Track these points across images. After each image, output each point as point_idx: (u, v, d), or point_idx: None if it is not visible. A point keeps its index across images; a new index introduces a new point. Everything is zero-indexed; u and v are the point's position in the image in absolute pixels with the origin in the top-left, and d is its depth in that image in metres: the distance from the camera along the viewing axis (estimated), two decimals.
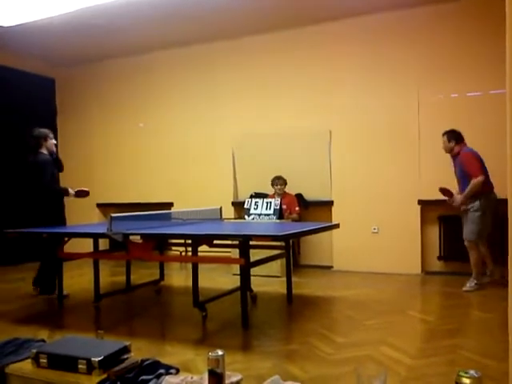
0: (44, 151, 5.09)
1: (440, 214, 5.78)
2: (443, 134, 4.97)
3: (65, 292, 4.82)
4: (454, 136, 4.91)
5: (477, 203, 4.73)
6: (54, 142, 5.22)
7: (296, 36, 6.57)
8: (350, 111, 6.25)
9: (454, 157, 4.93)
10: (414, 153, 5.84)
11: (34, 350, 2.16)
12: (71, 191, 5.14)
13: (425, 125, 5.80)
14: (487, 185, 4.73)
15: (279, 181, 6.34)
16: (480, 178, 4.65)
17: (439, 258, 5.82)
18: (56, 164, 5.19)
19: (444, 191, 4.95)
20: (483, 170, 4.73)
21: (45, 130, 5.17)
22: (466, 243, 4.83)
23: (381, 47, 6.09)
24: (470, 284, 4.81)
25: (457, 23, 5.71)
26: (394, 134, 5.99)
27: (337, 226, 4.63)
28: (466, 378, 1.68)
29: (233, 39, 6.92)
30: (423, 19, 5.86)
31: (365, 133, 6.16)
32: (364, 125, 6.15)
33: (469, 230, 4.80)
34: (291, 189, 6.44)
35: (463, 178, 4.84)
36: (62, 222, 5.13)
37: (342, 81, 6.31)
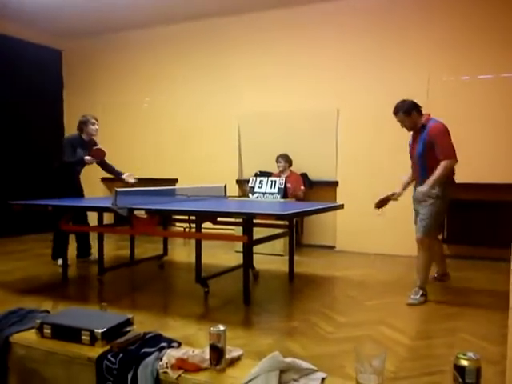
0: (84, 136, 5.39)
1: None
2: (396, 112, 3.97)
3: (92, 257, 5.30)
4: (412, 106, 3.91)
5: (437, 190, 3.80)
6: (95, 127, 5.42)
7: (304, 13, 6.48)
8: (359, 91, 6.19)
9: (417, 132, 3.98)
10: None
11: (39, 321, 2.19)
12: (87, 158, 5.21)
13: (434, 107, 5.67)
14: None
15: (282, 158, 6.32)
16: (455, 161, 3.81)
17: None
18: (85, 145, 5.36)
19: (381, 202, 4.16)
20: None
21: (86, 117, 5.42)
22: (418, 239, 3.91)
23: (391, 28, 5.99)
24: (414, 296, 3.86)
25: (468, 4, 5.60)
26: None
27: (341, 206, 4.63)
28: (465, 359, 1.69)
29: (241, 14, 6.83)
30: (434, 0, 5.76)
31: (373, 113, 6.11)
32: (372, 105, 6.09)
33: (425, 222, 3.87)
34: (297, 168, 6.42)
35: (426, 158, 3.87)
36: (76, 195, 5.33)
37: (352, 61, 6.23)
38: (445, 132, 3.80)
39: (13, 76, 7.38)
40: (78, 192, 5.45)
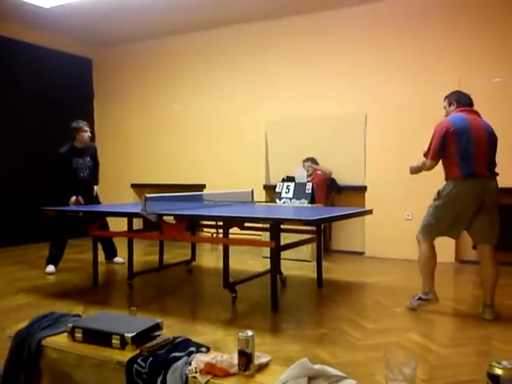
0: (77, 143, 5.39)
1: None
2: (445, 98, 3.83)
3: (121, 259, 5.56)
4: (452, 96, 3.74)
5: (443, 191, 3.61)
6: (86, 134, 5.42)
7: (332, 18, 6.46)
8: (387, 96, 6.13)
9: None
10: None
11: (70, 325, 2.22)
12: (72, 199, 5.18)
13: None
14: (462, 169, 3.50)
15: (307, 162, 6.31)
16: (429, 162, 3.60)
17: (474, 246, 5.67)
18: (80, 154, 5.40)
19: None
20: (442, 154, 3.56)
21: (78, 124, 5.39)
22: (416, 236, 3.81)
23: (420, 32, 5.92)
24: (411, 299, 3.80)
25: (497, 6, 5.49)
26: (431, 120, 5.79)
27: (370, 211, 4.58)
28: (499, 368, 1.65)
29: (269, 20, 6.86)
30: (464, 4, 5.66)
31: (402, 118, 6.04)
32: (401, 110, 6.03)
33: (423, 220, 3.76)
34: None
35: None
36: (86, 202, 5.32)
37: (380, 65, 6.18)
38: (436, 132, 3.59)
39: (45, 85, 7.58)
40: (86, 199, 5.35)
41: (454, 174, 3.54)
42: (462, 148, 3.48)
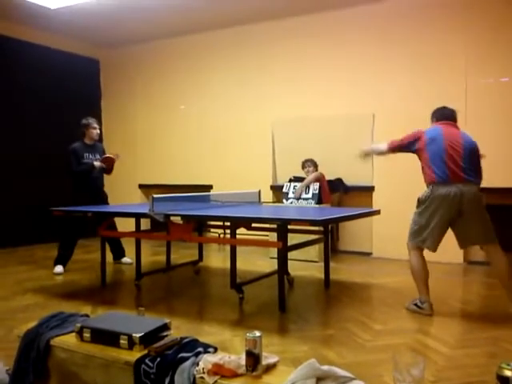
0: (86, 139, 5.47)
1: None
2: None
3: (129, 260, 5.62)
4: (432, 113, 3.98)
5: (423, 194, 3.77)
6: (96, 131, 5.51)
7: (338, 18, 6.45)
8: (395, 95, 6.11)
9: None
10: None
11: (79, 325, 2.23)
12: (96, 163, 5.35)
13: (472, 110, 5.59)
14: (435, 174, 3.64)
15: (308, 163, 6.24)
16: (386, 150, 3.96)
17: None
18: (91, 150, 5.48)
19: None
20: (400, 150, 3.91)
21: (88, 120, 5.48)
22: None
23: (427, 31, 5.90)
24: (412, 301, 3.79)
25: (504, 4, 5.46)
26: None
27: (377, 212, 4.57)
28: (509, 369, 1.64)
29: (274, 20, 6.86)
30: (471, 1, 5.64)
31: (409, 117, 5.98)
32: (408, 109, 5.99)
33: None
34: (331, 173, 6.35)
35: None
36: (97, 202, 5.34)
37: (388, 65, 6.16)
38: (412, 133, 3.89)
39: (52, 86, 7.63)
40: (98, 199, 5.43)
41: (430, 179, 3.68)
42: (433, 153, 3.65)
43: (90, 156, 5.43)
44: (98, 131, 5.57)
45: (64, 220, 5.11)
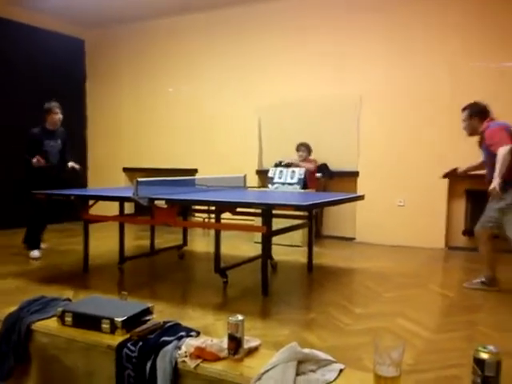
0: (47, 125, 5.25)
1: (467, 188, 5.67)
2: (464, 109, 3.97)
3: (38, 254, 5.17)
4: (478, 111, 3.87)
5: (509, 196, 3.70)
6: (57, 116, 5.26)
7: (326, 2, 6.40)
8: (382, 78, 6.09)
9: (480, 139, 3.93)
10: (445, 124, 5.66)
11: (60, 309, 2.23)
12: (34, 161, 5.02)
13: (457, 95, 5.59)
14: None
15: (302, 147, 6.25)
16: (508, 147, 3.60)
17: (464, 232, 5.74)
18: (52, 136, 5.26)
19: (448, 174, 4.34)
20: None
21: (50, 105, 5.24)
22: (476, 232, 3.98)
23: (413, 15, 5.89)
24: (474, 280, 4.01)
25: None
26: (426, 105, 5.83)
27: (361, 197, 4.60)
28: (485, 352, 1.67)
29: (261, 3, 6.78)
30: None
31: (396, 102, 6.02)
32: (395, 94, 6.01)
33: (487, 218, 3.86)
34: (317, 159, 6.36)
35: (492, 161, 3.72)
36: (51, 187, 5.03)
37: (374, 47, 6.14)
38: (496, 130, 3.73)
39: (34, 65, 7.43)
40: (55, 184, 5.01)
41: None
42: None
43: (51, 143, 5.23)
44: (61, 116, 5.30)
45: (33, 202, 4.91)
